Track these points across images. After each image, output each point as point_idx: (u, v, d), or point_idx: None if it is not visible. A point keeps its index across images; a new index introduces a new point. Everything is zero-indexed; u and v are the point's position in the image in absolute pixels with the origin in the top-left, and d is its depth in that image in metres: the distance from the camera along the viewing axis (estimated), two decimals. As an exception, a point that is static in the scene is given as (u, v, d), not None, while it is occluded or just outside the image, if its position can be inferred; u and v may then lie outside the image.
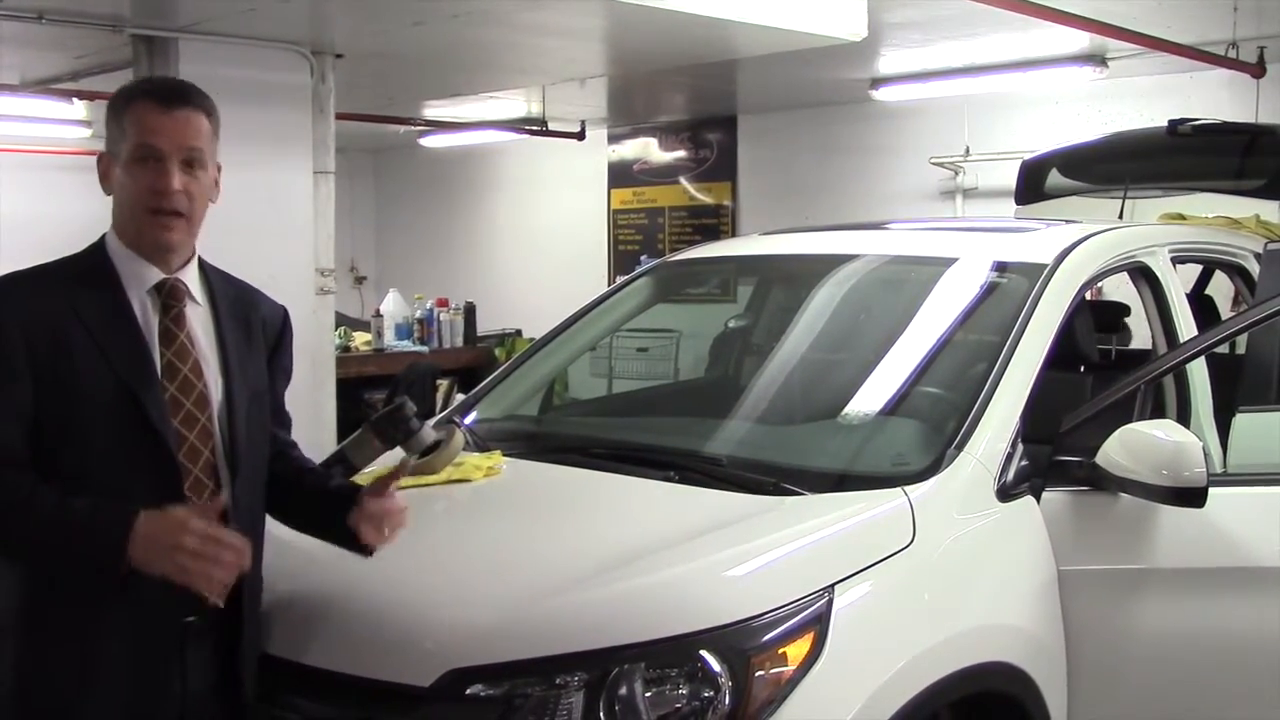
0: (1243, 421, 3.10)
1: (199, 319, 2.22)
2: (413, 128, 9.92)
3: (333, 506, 2.32)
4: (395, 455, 2.97)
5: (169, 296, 2.17)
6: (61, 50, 6.12)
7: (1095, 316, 3.64)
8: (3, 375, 2.03)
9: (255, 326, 2.32)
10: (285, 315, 2.42)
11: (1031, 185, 5.11)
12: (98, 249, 2.19)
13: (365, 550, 2.31)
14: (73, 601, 2.06)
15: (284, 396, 2.45)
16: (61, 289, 2.12)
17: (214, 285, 2.27)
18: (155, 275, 2.16)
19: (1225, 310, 4.70)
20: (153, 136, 2.11)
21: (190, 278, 2.22)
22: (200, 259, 2.28)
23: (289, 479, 2.39)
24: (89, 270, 2.16)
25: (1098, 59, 7.09)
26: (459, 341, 8.88)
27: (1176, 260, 3.48)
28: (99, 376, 2.07)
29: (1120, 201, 4.50)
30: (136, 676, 2.10)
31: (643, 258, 10.10)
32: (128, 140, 2.12)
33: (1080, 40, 6.65)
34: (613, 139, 10.70)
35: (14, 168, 10.38)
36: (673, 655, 2.13)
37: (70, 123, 8.69)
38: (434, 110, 9.43)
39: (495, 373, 3.81)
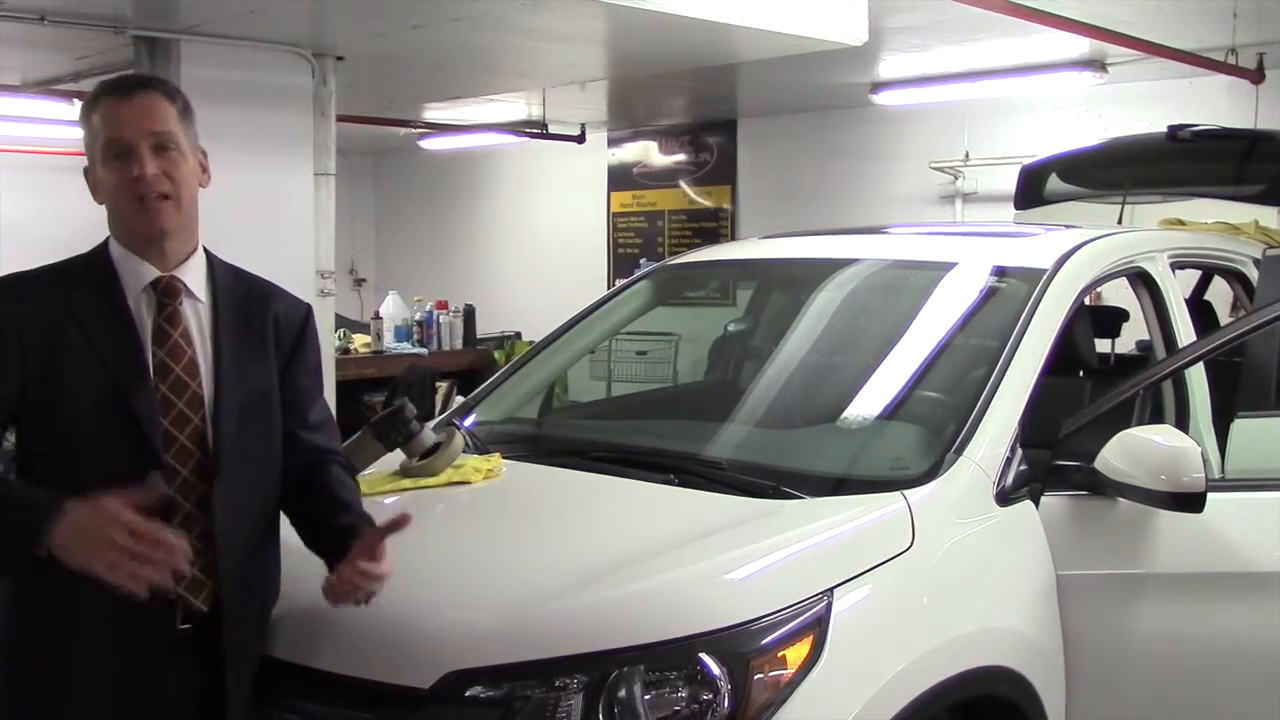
0: (1241, 426, 3.10)
1: (198, 316, 2.19)
2: (413, 130, 9.92)
3: (325, 545, 2.22)
4: (395, 457, 2.99)
5: (164, 294, 2.15)
6: (63, 51, 6.13)
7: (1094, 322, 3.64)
8: None
9: (264, 324, 2.26)
10: (308, 312, 2.36)
11: (1031, 190, 5.12)
12: (100, 250, 2.19)
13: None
14: (56, 610, 2.04)
15: (314, 395, 2.36)
16: (59, 289, 2.12)
17: (218, 281, 2.24)
18: (151, 273, 2.15)
19: (1224, 316, 4.71)
20: (119, 128, 2.10)
21: (192, 274, 2.19)
22: (209, 254, 2.25)
23: (301, 492, 2.30)
24: (88, 271, 2.15)
25: (1097, 64, 7.11)
26: (458, 344, 8.89)
27: (1176, 265, 3.48)
28: (91, 376, 2.06)
29: (1119, 207, 4.51)
30: (122, 685, 2.09)
31: (642, 261, 10.12)
32: (99, 140, 2.11)
33: (1080, 45, 6.66)
34: (613, 142, 10.71)
35: (14, 168, 10.39)
36: (672, 658, 2.13)
37: (71, 124, 8.66)
38: (434, 113, 9.43)
39: (495, 375, 3.82)
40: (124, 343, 2.10)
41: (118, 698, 2.10)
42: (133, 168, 2.09)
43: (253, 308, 2.26)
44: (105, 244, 2.19)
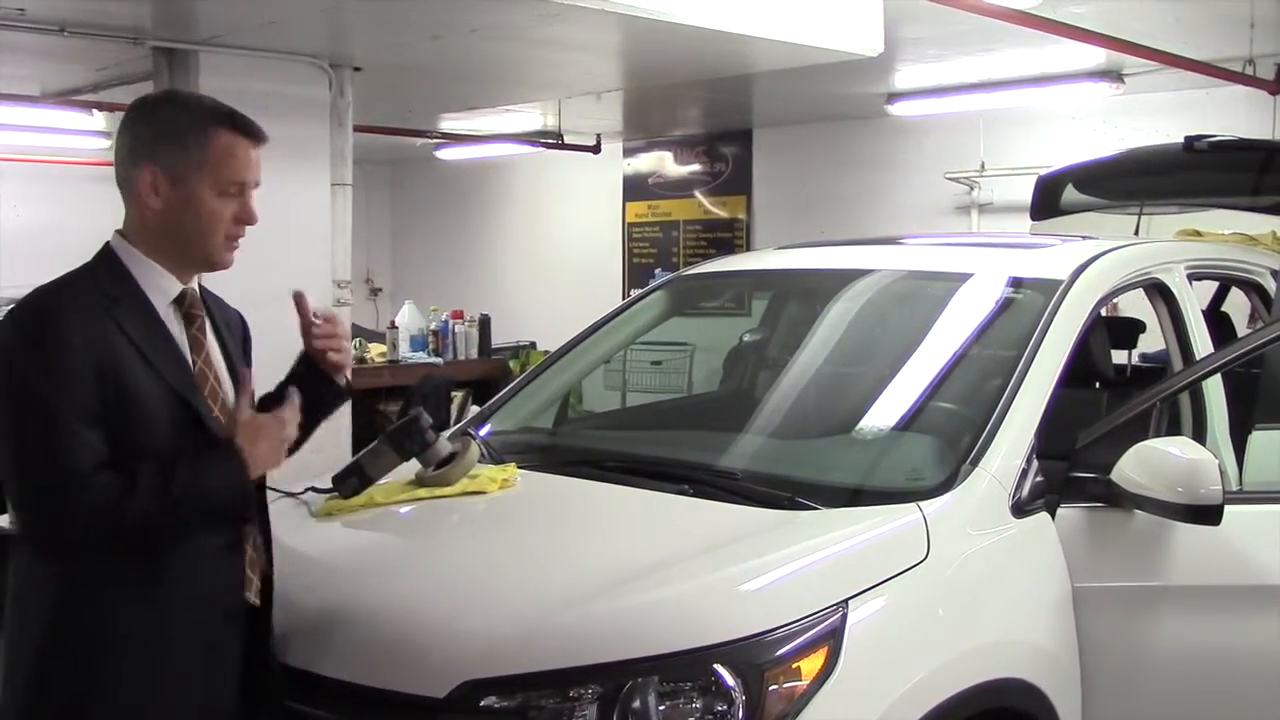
0: (1259, 439, 3.09)
1: (208, 325, 2.27)
2: (429, 140, 9.95)
3: (299, 372, 2.45)
4: (411, 466, 3.00)
5: (191, 305, 2.21)
6: (82, 62, 6.18)
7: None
8: (78, 383, 2.02)
9: (235, 328, 2.39)
10: (242, 317, 2.48)
11: (1047, 201, 5.11)
12: (111, 259, 2.17)
13: (334, 386, 2.45)
14: (129, 598, 2.07)
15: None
16: (104, 302, 2.10)
17: (201, 291, 2.31)
18: (176, 286, 2.19)
19: (1241, 327, 4.69)
20: (249, 172, 2.19)
21: (194, 286, 2.27)
22: None
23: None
24: (116, 282, 2.15)
25: (1114, 75, 7.10)
26: (474, 353, 8.89)
27: (1193, 277, 3.47)
28: (152, 388, 2.08)
29: (1136, 217, 4.50)
30: (205, 655, 2.15)
31: (657, 271, 10.12)
32: (213, 169, 2.14)
33: (1096, 56, 6.65)
34: (628, 152, 10.73)
35: (34, 177, 10.47)
36: (687, 669, 2.13)
37: (90, 134, 8.75)
38: (451, 123, 9.47)
39: (510, 385, 3.82)
40: (172, 353, 2.15)
41: (201, 673, 2.15)
42: (243, 210, 2.19)
43: (225, 314, 2.38)
44: (111, 252, 2.18)
